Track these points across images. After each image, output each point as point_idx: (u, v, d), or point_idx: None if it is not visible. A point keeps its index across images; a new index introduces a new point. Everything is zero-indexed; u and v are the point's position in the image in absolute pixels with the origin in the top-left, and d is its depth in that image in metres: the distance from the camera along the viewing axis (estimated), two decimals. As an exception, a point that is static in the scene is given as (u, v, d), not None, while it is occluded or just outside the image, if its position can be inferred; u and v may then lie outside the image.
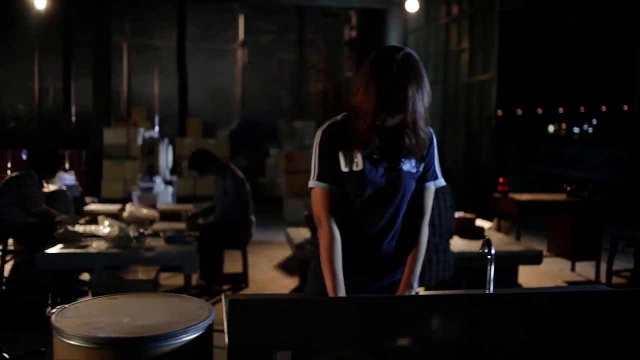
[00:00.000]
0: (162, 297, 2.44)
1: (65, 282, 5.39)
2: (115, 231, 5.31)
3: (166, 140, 8.15)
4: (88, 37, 13.74)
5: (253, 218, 5.96)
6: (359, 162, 2.33)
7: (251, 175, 12.18)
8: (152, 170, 8.27)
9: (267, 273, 6.46)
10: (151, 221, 6.11)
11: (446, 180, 2.52)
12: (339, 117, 2.41)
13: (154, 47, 26.59)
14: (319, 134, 2.40)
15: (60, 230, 5.53)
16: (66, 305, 2.23)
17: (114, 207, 6.62)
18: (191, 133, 10.90)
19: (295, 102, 28.66)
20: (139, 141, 8.51)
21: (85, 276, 5.78)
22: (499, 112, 10.44)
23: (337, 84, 25.56)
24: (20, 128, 19.46)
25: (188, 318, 2.14)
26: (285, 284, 6.05)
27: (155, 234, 5.41)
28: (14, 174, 5.61)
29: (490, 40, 10.13)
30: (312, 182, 2.39)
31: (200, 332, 2.09)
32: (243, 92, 23.99)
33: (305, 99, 17.66)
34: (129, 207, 6.09)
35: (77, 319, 2.11)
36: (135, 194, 8.02)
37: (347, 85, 23.28)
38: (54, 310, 2.19)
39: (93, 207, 6.59)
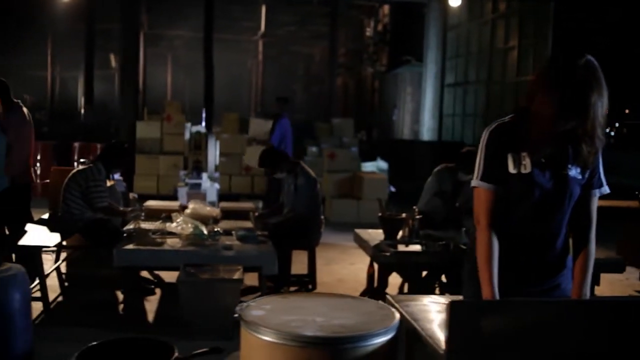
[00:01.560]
0: (338, 298, 2.52)
1: (134, 280, 5.47)
2: (189, 228, 5.40)
3: (214, 137, 8.22)
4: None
5: (323, 217, 6.04)
6: (527, 165, 2.39)
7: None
8: (199, 166, 8.34)
9: (330, 275, 6.53)
10: (214, 219, 6.18)
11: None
12: (506, 118, 2.48)
13: (169, 37, 26.74)
14: (486, 134, 2.47)
15: (130, 227, 5.63)
16: (251, 303, 2.31)
17: (173, 204, 6.69)
18: (228, 128, 10.98)
19: (325, 99, 28.84)
20: (187, 136, 8.59)
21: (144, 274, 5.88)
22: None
23: (359, 79, 25.68)
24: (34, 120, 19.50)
25: (376, 319, 2.22)
26: (354, 287, 6.13)
27: (228, 233, 5.49)
28: (81, 167, 5.68)
29: (543, 39, 10.19)
30: (475, 182, 2.45)
31: (394, 333, 2.16)
32: (263, 86, 24.04)
33: (333, 96, 17.66)
34: (191, 204, 6.15)
35: (269, 317, 2.18)
36: (183, 191, 8.10)
37: (370, 81, 23.42)
38: (239, 308, 2.27)
39: (152, 203, 6.67)
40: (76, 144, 11.37)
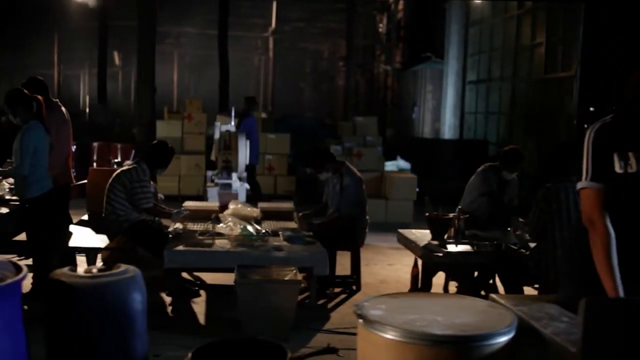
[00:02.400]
0: (446, 297, 2.58)
1: (179, 282, 5.54)
2: (238, 229, 5.46)
3: (244, 136, 8.27)
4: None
5: (368, 218, 6.10)
6: (632, 164, 2.45)
7: (311, 174, 12.32)
8: (228, 166, 8.38)
9: (371, 276, 6.59)
10: (255, 219, 6.23)
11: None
12: (607, 118, 2.54)
13: (174, 35, 26.83)
14: (590, 133, 2.53)
15: (175, 227, 5.69)
16: (365, 303, 2.37)
17: (211, 205, 6.75)
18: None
19: (333, 96, 28.89)
20: (217, 135, 8.63)
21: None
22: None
23: (370, 77, 25.71)
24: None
25: (494, 318, 2.28)
26: (397, 288, 6.18)
27: (275, 233, 5.56)
28: (125, 167, 5.74)
29: (573, 36, 10.23)
30: (584, 183, 2.50)
31: (514, 333, 2.23)
32: (273, 83, 24.11)
33: (350, 95, 17.71)
34: (232, 204, 6.21)
35: (390, 317, 2.24)
36: (214, 191, 8.15)
37: (384, 78, 23.46)
38: (357, 307, 2.33)
39: (190, 204, 6.73)
40: (95, 144, 11.43)
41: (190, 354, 2.32)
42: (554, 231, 4.68)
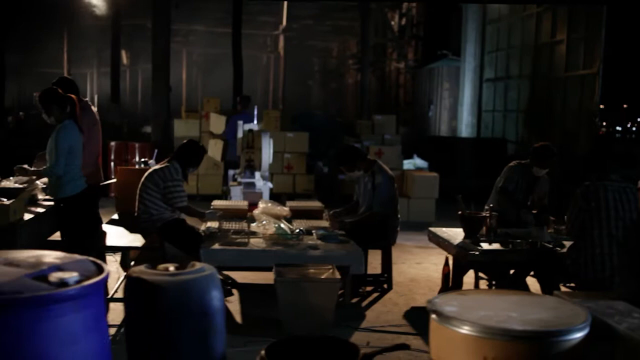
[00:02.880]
0: (513, 294, 2.63)
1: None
2: (272, 228, 5.52)
3: (268, 134, 8.32)
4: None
5: (400, 216, 6.15)
6: None
7: (330, 173, 12.39)
8: (251, 165, 8.45)
9: (401, 275, 6.64)
10: (285, 218, 6.28)
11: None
12: None
13: (183, 32, 26.88)
14: None
15: (208, 226, 5.75)
16: (436, 300, 2.42)
17: (240, 204, 6.80)
18: (269, 126, 11.11)
19: (342, 94, 28.89)
20: (239, 134, 8.70)
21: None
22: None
23: (381, 75, 25.73)
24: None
25: (568, 314, 2.33)
26: (427, 286, 6.23)
27: (308, 232, 5.61)
28: (157, 166, 5.80)
29: (595, 33, 10.26)
30: None
31: (588, 329, 2.27)
32: (284, 81, 24.15)
33: (365, 93, 17.75)
34: (262, 203, 6.26)
35: (465, 313, 2.29)
36: (237, 190, 8.21)
37: (395, 76, 23.49)
38: (430, 304, 2.38)
39: (218, 203, 6.78)
40: (112, 143, 11.50)
41: (263, 351, 2.37)
42: (593, 229, 4.72)
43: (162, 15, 13.29)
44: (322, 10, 26.07)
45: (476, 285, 6.24)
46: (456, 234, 6.01)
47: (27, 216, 4.96)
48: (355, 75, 30.13)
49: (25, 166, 5.65)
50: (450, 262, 5.89)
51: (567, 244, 5.19)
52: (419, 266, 7.10)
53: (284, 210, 6.40)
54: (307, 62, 34.08)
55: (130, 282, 2.14)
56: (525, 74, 12.36)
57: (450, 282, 5.89)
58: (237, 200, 7.92)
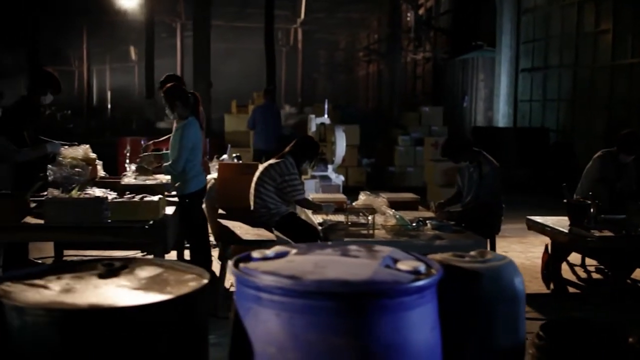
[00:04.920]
0: None
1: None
2: (393, 220, 5.63)
3: (341, 128, 8.41)
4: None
5: (504, 205, 6.28)
6: None
7: (377, 165, 12.51)
8: (323, 158, 8.56)
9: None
10: (371, 210, 6.35)
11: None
12: None
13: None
14: None
15: (328, 218, 5.85)
16: None
17: (337, 196, 6.88)
18: (308, 120, 11.18)
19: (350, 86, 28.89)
20: (313, 128, 8.79)
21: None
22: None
23: (395, 66, 25.77)
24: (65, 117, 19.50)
25: None
26: (530, 274, 6.36)
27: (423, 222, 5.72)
28: (273, 161, 5.88)
29: (644, 21, 10.39)
30: None
31: None
32: (303, 74, 24.20)
33: (396, 83, 17.82)
34: (362, 195, 6.37)
35: None
36: (311, 183, 8.30)
37: (412, 68, 23.59)
38: None
39: (314, 196, 6.87)
40: (164, 138, 11.53)
41: (539, 330, 2.47)
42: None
43: (202, 12, 13.34)
44: (333, 4, 26.13)
45: (586, 272, 6.46)
46: (557, 222, 6.15)
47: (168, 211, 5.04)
48: (368, 67, 30.26)
49: (145, 165, 5.73)
50: (550, 249, 6.07)
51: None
52: (514, 254, 7.21)
53: (384, 201, 6.49)
54: (323, 56, 34.15)
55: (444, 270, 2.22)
56: (567, 64, 12.48)
57: (550, 269, 6.06)
58: (311, 192, 8.01)
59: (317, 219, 5.94)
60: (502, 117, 14.04)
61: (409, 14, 23.07)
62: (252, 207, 5.86)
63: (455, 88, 16.20)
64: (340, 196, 6.88)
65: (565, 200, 5.94)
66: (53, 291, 2.16)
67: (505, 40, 13.98)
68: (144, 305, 2.00)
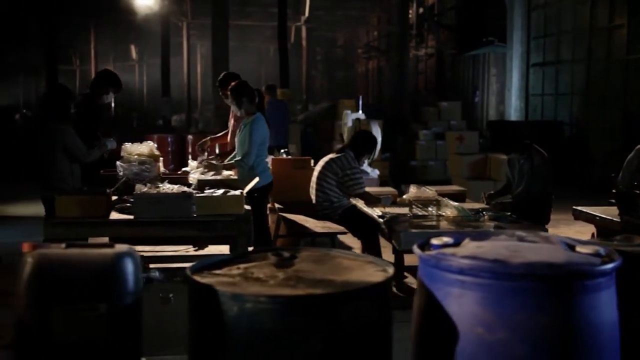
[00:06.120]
0: None
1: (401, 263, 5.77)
2: (455, 211, 5.71)
3: (377, 123, 8.50)
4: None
5: (553, 197, 6.38)
6: None
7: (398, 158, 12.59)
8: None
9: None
10: (435, 201, 6.46)
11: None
12: None
13: (198, 26, 26.74)
14: None
15: (387, 211, 5.92)
16: None
17: (387, 190, 6.97)
18: (343, 115, 11.25)
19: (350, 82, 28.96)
20: (349, 123, 8.86)
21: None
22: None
23: (395, 63, 25.87)
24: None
25: None
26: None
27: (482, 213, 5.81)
28: (334, 155, 5.96)
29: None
30: None
31: None
32: (307, 73, 24.23)
33: (404, 77, 17.91)
34: (412, 188, 6.44)
35: None
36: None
37: (414, 64, 23.68)
38: None
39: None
40: (190, 137, 11.59)
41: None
42: None
43: (220, 11, 13.36)
44: (335, 2, 26.18)
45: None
46: (604, 212, 6.25)
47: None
48: (368, 64, 30.33)
49: (214, 161, 5.78)
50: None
51: None
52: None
53: (434, 194, 6.58)
54: (320, 52, 34.19)
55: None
56: (580, 58, 12.63)
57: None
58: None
59: (374, 211, 6.02)
60: (514, 111, 14.19)
61: (410, 11, 23.15)
62: (314, 201, 5.94)
63: (465, 83, 16.32)
64: (390, 189, 6.97)
65: (614, 191, 6.04)
66: (247, 280, 2.22)
67: (516, 35, 14.12)
68: (355, 290, 2.07)
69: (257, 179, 5.17)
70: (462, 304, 2.06)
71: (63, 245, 2.10)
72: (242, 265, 2.43)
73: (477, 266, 2.05)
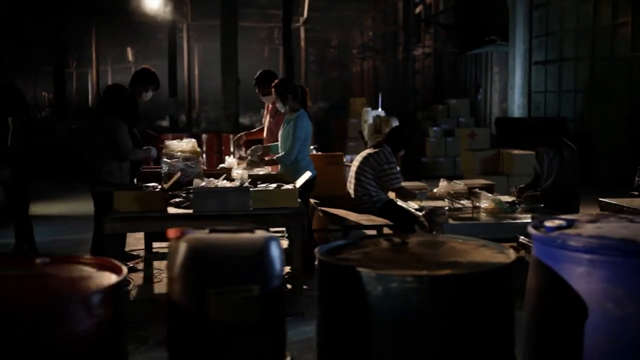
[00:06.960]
0: None
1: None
2: (492, 203, 5.82)
3: (396, 119, 8.60)
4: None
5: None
6: None
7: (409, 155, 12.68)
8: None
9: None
10: (463, 195, 6.55)
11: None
12: None
13: (196, 27, 26.71)
14: None
15: (423, 204, 6.02)
16: None
17: (419, 184, 7.05)
18: (355, 114, 11.37)
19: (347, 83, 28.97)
20: (370, 120, 8.95)
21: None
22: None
23: (392, 63, 26.02)
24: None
25: None
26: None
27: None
28: (371, 150, 6.05)
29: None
30: None
31: None
32: (306, 74, 24.25)
33: (408, 75, 18.01)
34: (443, 182, 6.55)
35: None
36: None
37: (412, 64, 23.78)
38: None
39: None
40: (204, 136, 11.61)
41: None
42: None
43: (229, 12, 13.39)
44: (330, 1, 26.23)
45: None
46: (630, 203, 6.38)
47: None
48: (363, 63, 30.41)
49: (254, 158, 5.84)
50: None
51: None
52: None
53: (464, 187, 6.69)
54: (313, 53, 34.21)
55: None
56: (583, 56, 12.80)
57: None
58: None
59: (409, 205, 6.12)
60: (517, 108, 14.35)
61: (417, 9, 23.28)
62: (352, 195, 6.02)
63: (467, 81, 16.47)
64: (420, 184, 7.06)
65: (636, 184, 6.18)
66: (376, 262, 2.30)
67: (518, 34, 14.28)
68: (493, 270, 2.16)
69: (309, 173, 5.24)
70: (590, 281, 2.16)
71: (206, 230, 2.17)
72: (359, 250, 2.50)
73: (606, 244, 2.14)
